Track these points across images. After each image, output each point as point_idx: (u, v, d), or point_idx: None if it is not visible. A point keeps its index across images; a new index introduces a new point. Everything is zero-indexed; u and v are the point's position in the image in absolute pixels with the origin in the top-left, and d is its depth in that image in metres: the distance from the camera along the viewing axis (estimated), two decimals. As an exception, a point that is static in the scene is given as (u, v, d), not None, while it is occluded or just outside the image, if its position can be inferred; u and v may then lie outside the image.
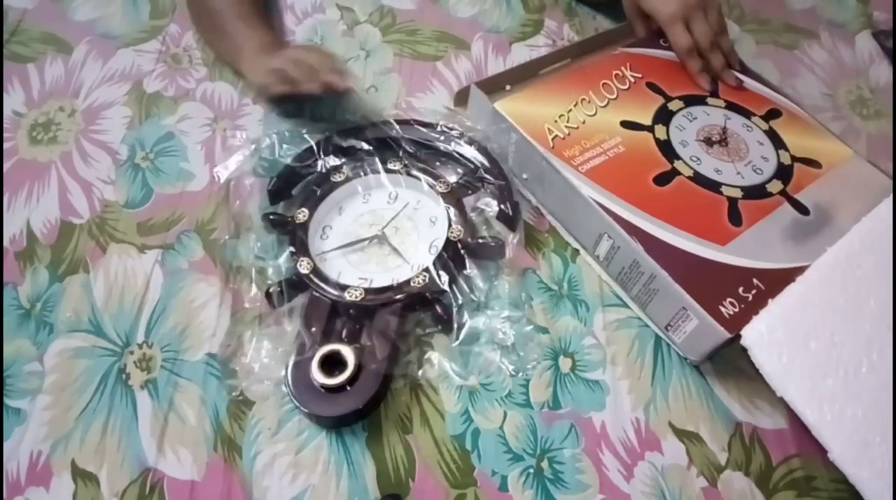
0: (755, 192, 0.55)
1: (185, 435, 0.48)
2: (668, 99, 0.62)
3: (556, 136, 0.56)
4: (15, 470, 0.47)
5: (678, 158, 0.57)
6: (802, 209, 0.55)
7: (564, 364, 0.52)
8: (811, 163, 0.59)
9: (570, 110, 0.58)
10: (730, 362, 0.53)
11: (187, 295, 0.55)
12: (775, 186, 0.56)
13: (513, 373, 0.51)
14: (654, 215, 0.51)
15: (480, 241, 0.55)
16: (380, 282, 0.52)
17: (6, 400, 0.50)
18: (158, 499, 0.46)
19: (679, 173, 0.55)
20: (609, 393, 0.51)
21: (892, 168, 0.58)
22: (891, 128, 0.69)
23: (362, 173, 0.58)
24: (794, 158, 0.59)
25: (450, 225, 0.55)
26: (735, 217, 0.53)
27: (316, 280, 0.51)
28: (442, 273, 0.51)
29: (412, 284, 0.51)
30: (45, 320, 0.53)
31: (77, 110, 0.67)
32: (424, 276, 0.51)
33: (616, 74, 0.62)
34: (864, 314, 0.49)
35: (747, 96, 0.64)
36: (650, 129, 0.59)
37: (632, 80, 0.62)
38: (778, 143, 0.60)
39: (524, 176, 0.60)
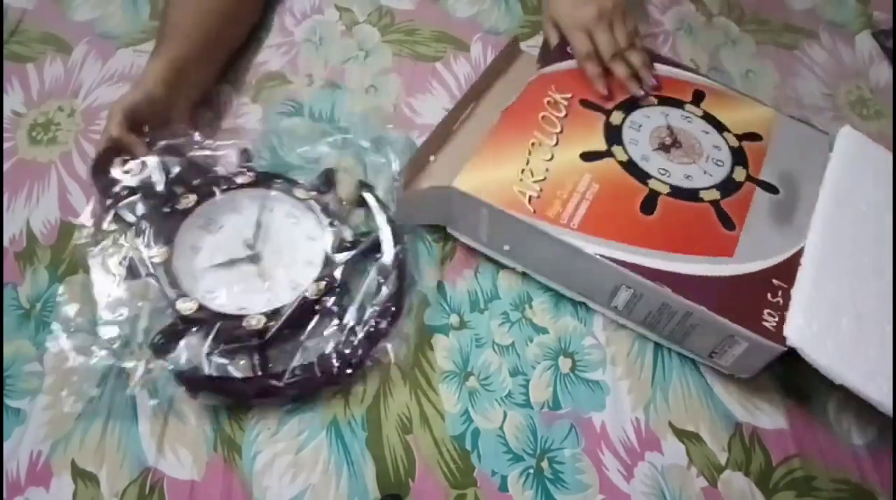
0: (728, 187, 0.55)
1: (184, 435, 0.48)
2: (608, 112, 0.59)
3: (531, 196, 0.51)
4: (15, 470, 0.47)
5: (648, 176, 0.54)
6: (772, 189, 0.55)
7: (564, 364, 0.52)
8: (753, 137, 0.59)
9: (528, 161, 0.54)
10: (730, 362, 0.53)
11: (187, 295, 0.54)
12: (740, 174, 0.56)
13: (512, 373, 0.52)
14: (662, 249, 0.49)
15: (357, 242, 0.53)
16: (221, 302, 0.49)
17: (6, 400, 0.49)
18: (158, 499, 0.46)
19: (658, 193, 0.53)
20: (609, 393, 0.51)
21: (893, 167, 0.58)
22: (891, 128, 0.69)
23: (217, 192, 0.54)
24: (738, 138, 0.59)
25: (332, 224, 0.53)
26: (726, 221, 0.52)
27: (205, 318, 0.48)
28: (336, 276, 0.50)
29: (308, 296, 0.49)
30: (45, 320, 0.53)
31: (77, 110, 0.67)
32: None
33: (548, 102, 0.59)
34: (869, 272, 0.51)
35: (669, 84, 0.63)
36: (609, 153, 0.56)
37: (564, 103, 0.59)
38: (718, 126, 0.60)
39: (505, 247, 0.54)
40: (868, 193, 0.56)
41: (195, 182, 0.54)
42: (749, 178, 0.56)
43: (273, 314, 0.49)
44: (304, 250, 0.54)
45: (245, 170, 0.56)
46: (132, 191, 0.52)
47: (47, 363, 0.51)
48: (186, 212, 0.52)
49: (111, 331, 0.51)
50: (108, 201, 0.52)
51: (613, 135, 0.57)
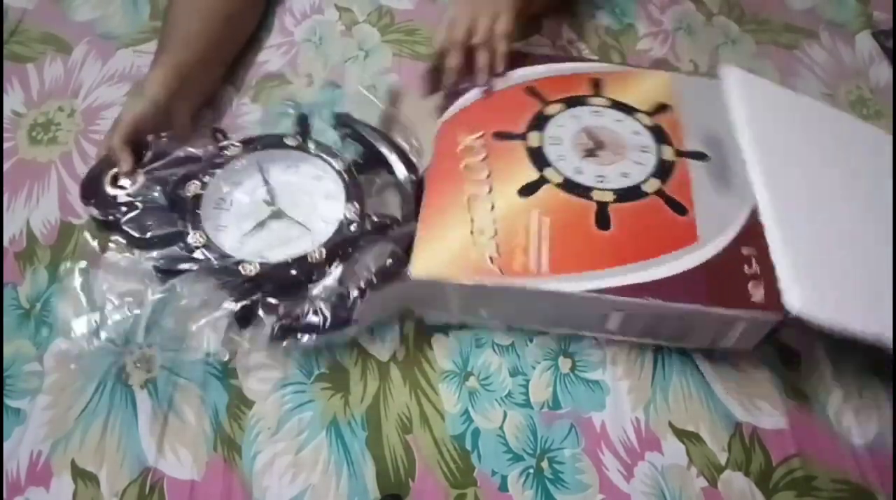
0: (661, 170, 0.55)
1: (184, 435, 0.48)
2: (524, 137, 0.56)
3: (491, 257, 0.48)
4: (15, 470, 0.47)
5: (589, 189, 0.52)
6: (701, 156, 0.55)
7: (564, 364, 0.52)
8: (662, 109, 0.60)
9: (472, 220, 0.50)
10: (730, 362, 0.53)
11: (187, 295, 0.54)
12: (668, 152, 0.56)
13: (512, 373, 0.52)
14: (634, 260, 0.48)
15: (376, 219, 0.53)
16: (276, 257, 0.50)
17: (6, 400, 0.50)
18: (158, 499, 0.46)
19: (606, 203, 0.52)
20: (609, 393, 0.51)
21: (892, 168, 0.58)
22: (891, 128, 0.69)
23: (259, 148, 0.55)
24: (649, 114, 0.59)
25: (348, 200, 0.53)
26: (676, 207, 0.52)
27: (208, 254, 0.49)
28: (337, 248, 0.50)
29: (309, 259, 0.49)
30: (45, 320, 0.53)
31: (77, 110, 0.67)
32: (321, 251, 0.49)
33: (463, 149, 0.55)
34: (825, 208, 0.52)
35: (564, 83, 0.61)
36: (543, 180, 0.53)
37: (480, 144, 0.55)
38: (628, 110, 0.60)
39: (482, 314, 0.51)
40: (781, 130, 0.58)
41: (186, 171, 0.54)
42: (678, 153, 0.56)
43: (321, 253, 0.49)
44: (317, 188, 0.55)
45: (228, 145, 0.56)
46: (130, 205, 0.52)
47: (47, 363, 0.51)
48: (197, 198, 0.52)
49: (111, 331, 0.51)
50: (110, 217, 0.52)
51: (539, 159, 0.55)
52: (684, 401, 0.51)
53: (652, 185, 0.53)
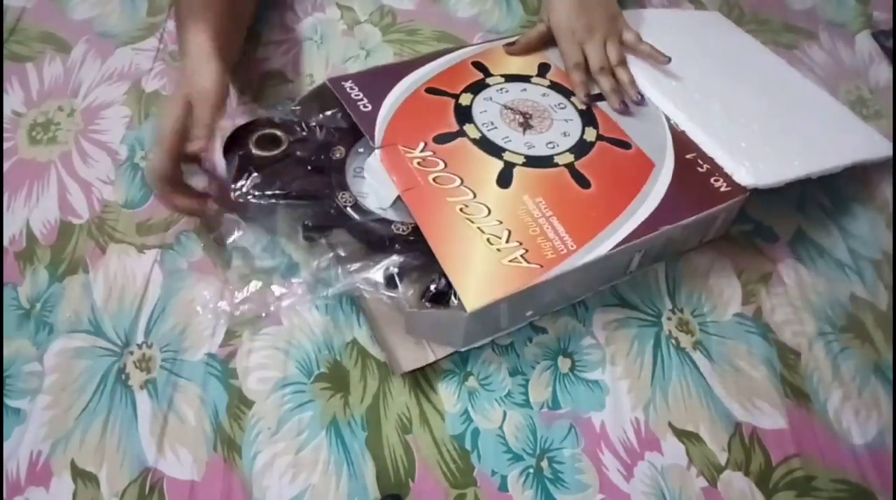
0: (588, 119, 0.59)
1: (184, 435, 0.48)
2: (461, 133, 0.56)
3: (521, 256, 0.47)
4: (15, 470, 0.47)
5: (550, 158, 0.55)
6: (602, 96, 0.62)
7: (564, 364, 0.52)
8: (545, 67, 0.65)
9: (481, 229, 0.48)
10: (730, 362, 0.53)
11: (187, 295, 0.55)
12: (579, 104, 0.61)
13: (512, 373, 0.52)
14: (628, 203, 0.51)
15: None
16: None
17: (6, 400, 0.50)
18: (158, 499, 0.46)
19: (572, 163, 0.54)
20: (609, 393, 0.51)
21: (893, 167, 0.59)
22: (891, 128, 0.69)
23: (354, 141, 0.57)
24: (540, 76, 0.64)
25: None
26: (623, 145, 0.57)
27: (356, 215, 0.50)
28: None
29: None
30: (44, 320, 0.53)
31: (76, 110, 0.67)
32: None
33: (418, 165, 0.53)
34: (719, 91, 0.63)
35: (454, 75, 0.62)
36: (509, 164, 0.54)
37: (427, 154, 0.53)
38: (522, 78, 0.63)
39: (528, 314, 0.51)
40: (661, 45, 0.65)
41: (327, 139, 0.56)
42: (587, 101, 0.61)
43: None
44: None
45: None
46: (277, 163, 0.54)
47: (47, 363, 0.51)
48: (341, 163, 0.53)
49: (112, 330, 0.51)
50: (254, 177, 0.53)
51: (490, 147, 0.55)
52: (684, 401, 0.51)
53: (590, 134, 0.57)
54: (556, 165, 0.54)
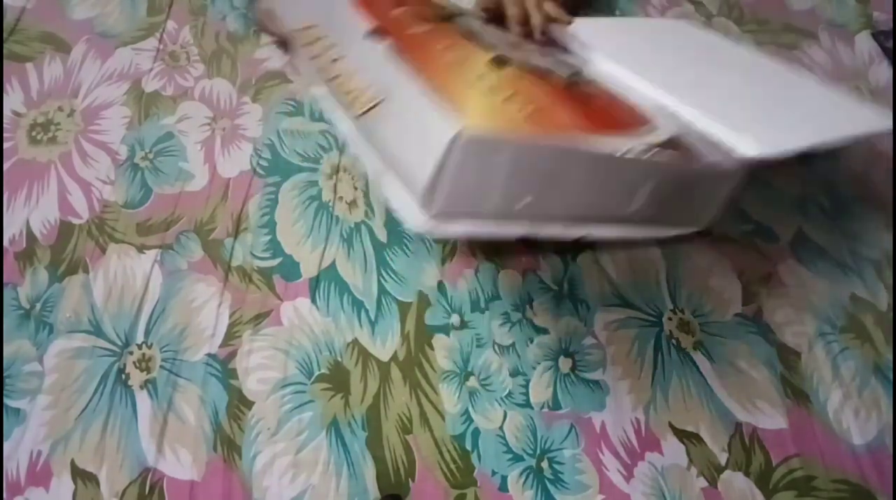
0: (576, 71, 0.54)
1: (184, 435, 0.48)
2: (446, 18, 0.50)
3: (530, 116, 0.39)
4: (15, 470, 0.47)
5: (548, 71, 0.47)
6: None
7: (564, 364, 0.52)
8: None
9: (481, 77, 0.41)
10: (730, 363, 0.53)
11: (186, 295, 0.54)
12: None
13: (513, 373, 0.52)
14: (636, 126, 0.45)
15: None
16: None
17: (6, 400, 0.49)
18: (158, 499, 0.46)
19: (569, 81, 0.48)
20: (609, 393, 0.51)
21: (893, 168, 0.58)
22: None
23: None
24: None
25: None
26: (615, 96, 0.52)
27: None
28: None
29: None
30: (44, 321, 0.53)
31: (76, 110, 0.67)
32: None
33: (397, 15, 0.46)
34: (685, 77, 0.58)
35: None
36: (503, 58, 0.45)
37: (410, 17, 0.47)
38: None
39: (526, 200, 0.39)
40: (631, 45, 0.63)
41: None
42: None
43: None
44: None
45: None
46: None
47: (47, 363, 0.51)
48: None
49: (112, 330, 0.51)
50: None
51: (479, 40, 0.48)
52: (684, 401, 0.51)
53: (583, 77, 0.50)
54: (552, 76, 0.47)
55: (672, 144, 0.45)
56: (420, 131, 0.35)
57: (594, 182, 0.42)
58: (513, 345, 0.53)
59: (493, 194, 0.37)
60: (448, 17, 0.51)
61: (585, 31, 0.63)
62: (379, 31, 0.42)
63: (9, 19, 0.74)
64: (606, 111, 0.47)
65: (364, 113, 0.39)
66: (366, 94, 0.40)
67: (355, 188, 0.60)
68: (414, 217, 0.35)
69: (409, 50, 0.40)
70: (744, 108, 0.54)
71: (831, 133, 0.52)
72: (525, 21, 0.59)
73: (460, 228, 0.38)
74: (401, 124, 0.37)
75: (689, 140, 0.48)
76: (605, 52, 0.60)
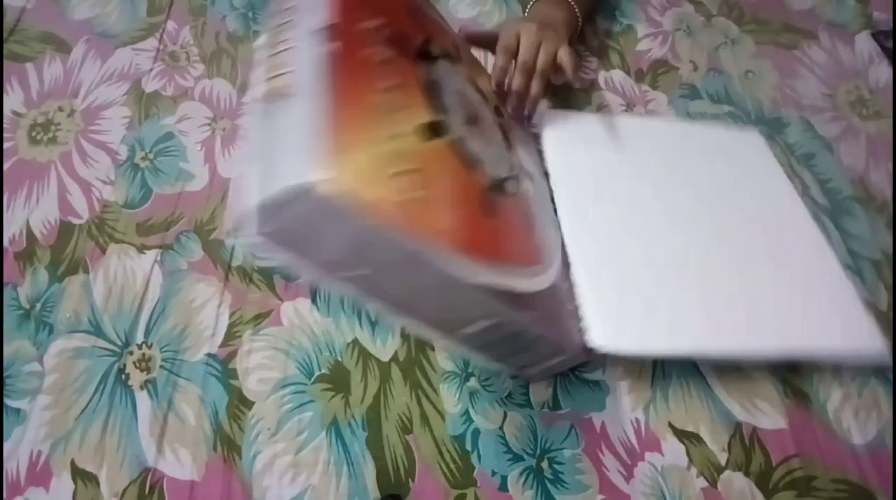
0: (516, 175, 0.51)
1: (184, 435, 0.48)
2: (423, 55, 0.46)
3: (404, 199, 0.35)
4: (15, 470, 0.47)
5: (477, 161, 0.43)
6: (530, 177, 0.53)
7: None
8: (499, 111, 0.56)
9: (386, 138, 0.36)
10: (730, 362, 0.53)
11: (187, 295, 0.54)
12: (513, 159, 0.53)
13: (513, 374, 0.52)
14: (519, 263, 0.41)
15: None
16: None
17: (6, 400, 0.49)
18: (158, 499, 0.46)
19: (489, 187, 0.43)
20: (609, 393, 0.51)
21: (893, 168, 0.58)
22: (891, 128, 0.69)
23: None
24: (496, 113, 0.56)
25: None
26: (529, 221, 0.47)
27: None
28: None
29: None
30: (44, 321, 0.53)
31: (76, 110, 0.67)
32: None
33: (362, 31, 0.41)
34: (623, 235, 0.53)
35: (437, 27, 0.54)
36: (444, 126, 0.42)
37: (380, 36, 0.42)
38: (483, 94, 0.55)
39: (362, 272, 0.37)
40: (586, 163, 0.58)
41: None
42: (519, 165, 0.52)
43: None
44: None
45: None
46: None
47: (47, 363, 0.51)
48: None
49: (112, 330, 0.51)
50: None
51: (437, 97, 0.44)
52: (684, 401, 0.51)
53: (512, 186, 0.48)
54: (478, 172, 0.44)
55: (528, 298, 0.41)
56: (291, 152, 0.32)
57: (433, 291, 0.38)
58: (513, 345, 0.53)
59: (329, 251, 0.36)
60: (427, 56, 0.47)
61: (552, 133, 0.60)
62: (331, 33, 0.38)
63: (9, 19, 0.74)
64: (502, 233, 0.43)
65: (268, 96, 0.36)
66: (282, 78, 0.36)
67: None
68: (247, 224, 0.33)
69: (347, 70, 0.37)
70: (624, 285, 0.49)
71: (679, 345, 0.47)
72: (532, 66, 0.59)
73: (285, 259, 0.36)
74: (284, 131, 0.34)
75: (551, 302, 0.45)
76: (556, 170, 0.56)
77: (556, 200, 0.54)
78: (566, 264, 0.50)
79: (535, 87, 0.59)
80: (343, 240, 0.34)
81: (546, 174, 0.57)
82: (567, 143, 0.59)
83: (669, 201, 0.57)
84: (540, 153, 0.59)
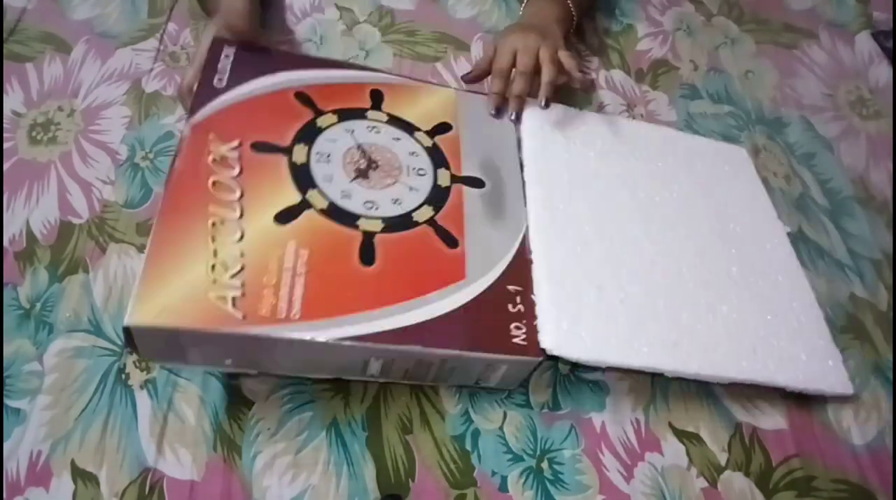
0: (437, 197, 0.51)
1: (184, 435, 0.48)
2: (288, 151, 0.50)
3: (234, 298, 0.41)
4: (15, 470, 0.47)
5: (356, 217, 0.48)
6: (477, 183, 0.53)
7: (564, 365, 0.52)
8: (443, 128, 0.56)
9: (216, 252, 0.42)
10: (729, 363, 0.53)
11: (187, 295, 0.54)
12: (444, 177, 0.53)
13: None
14: (398, 301, 0.44)
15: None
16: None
17: (6, 400, 0.49)
18: (158, 499, 0.46)
19: (373, 234, 0.47)
20: (609, 393, 0.51)
21: (892, 168, 0.59)
22: (890, 128, 0.69)
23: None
24: (430, 134, 0.55)
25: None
26: (448, 239, 0.49)
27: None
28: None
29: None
30: (44, 321, 0.53)
31: (76, 110, 0.67)
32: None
33: (214, 161, 0.47)
34: (594, 240, 0.52)
35: (343, 92, 0.56)
36: (306, 204, 0.47)
37: (234, 156, 0.48)
38: (408, 127, 0.55)
39: (227, 363, 0.44)
40: (564, 158, 0.57)
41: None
42: (454, 178, 0.53)
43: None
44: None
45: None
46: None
47: (47, 363, 0.51)
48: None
49: (112, 330, 0.51)
50: None
51: (304, 178, 0.49)
52: (684, 401, 0.51)
53: (424, 213, 0.50)
54: (355, 226, 0.47)
55: (418, 328, 0.43)
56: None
57: (310, 356, 0.44)
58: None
59: (193, 355, 0.43)
60: (306, 137, 0.51)
61: (533, 122, 0.59)
62: (172, 180, 0.46)
63: (9, 19, 0.74)
64: (387, 274, 0.45)
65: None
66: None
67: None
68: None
69: (179, 209, 0.44)
70: (585, 289, 0.49)
71: (630, 358, 0.47)
72: (535, 72, 0.59)
73: (173, 366, 0.46)
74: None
75: (478, 314, 0.45)
76: (531, 162, 0.56)
77: (526, 193, 0.53)
78: (519, 263, 0.49)
79: (542, 94, 0.59)
80: (192, 346, 0.42)
81: (521, 165, 0.56)
82: (548, 135, 0.58)
83: (644, 208, 0.56)
84: (519, 142, 0.58)
